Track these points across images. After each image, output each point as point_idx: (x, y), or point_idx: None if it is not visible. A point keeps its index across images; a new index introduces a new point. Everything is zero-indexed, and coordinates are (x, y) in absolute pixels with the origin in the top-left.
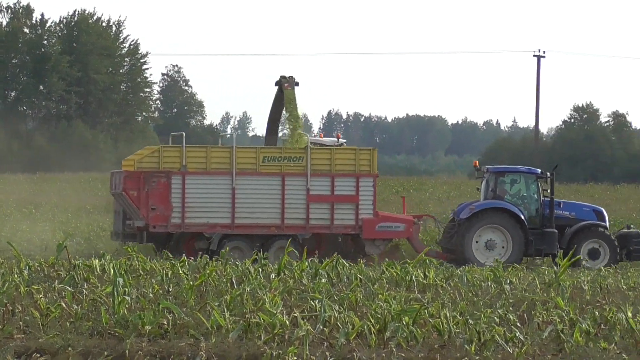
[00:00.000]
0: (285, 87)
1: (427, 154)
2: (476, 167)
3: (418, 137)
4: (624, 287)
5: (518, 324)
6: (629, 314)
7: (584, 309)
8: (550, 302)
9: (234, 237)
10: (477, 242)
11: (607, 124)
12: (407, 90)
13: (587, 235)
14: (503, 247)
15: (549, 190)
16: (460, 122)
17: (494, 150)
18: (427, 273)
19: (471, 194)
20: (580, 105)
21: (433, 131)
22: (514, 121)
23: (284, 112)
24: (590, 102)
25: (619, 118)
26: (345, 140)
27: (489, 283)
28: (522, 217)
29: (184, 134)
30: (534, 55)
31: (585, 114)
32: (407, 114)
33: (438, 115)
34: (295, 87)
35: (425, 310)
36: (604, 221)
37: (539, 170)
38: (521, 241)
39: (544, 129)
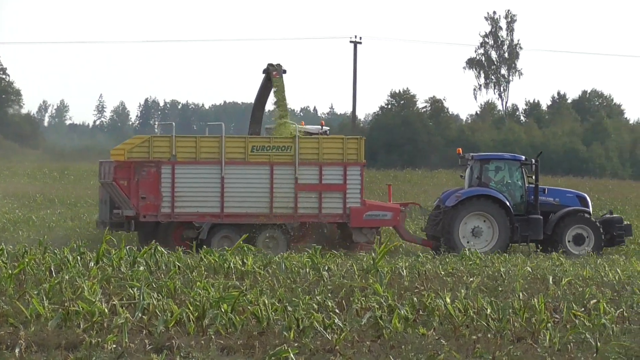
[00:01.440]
0: (273, 76)
1: None
2: (459, 154)
3: (235, 124)
4: (442, 273)
5: (337, 311)
6: (447, 300)
7: (402, 295)
8: (369, 288)
9: (223, 226)
10: (463, 229)
11: (424, 109)
12: (224, 77)
13: (572, 221)
14: (489, 235)
15: (533, 177)
16: None
17: None
18: (245, 260)
19: None
20: (397, 91)
21: (250, 118)
22: (331, 107)
23: (270, 100)
24: (407, 88)
25: (436, 104)
26: (328, 128)
27: (307, 270)
28: (508, 203)
29: (173, 124)
30: (351, 42)
31: (402, 100)
32: (224, 101)
33: None
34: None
35: (244, 298)
36: (588, 207)
37: (523, 157)
38: (507, 228)
39: (361, 115)
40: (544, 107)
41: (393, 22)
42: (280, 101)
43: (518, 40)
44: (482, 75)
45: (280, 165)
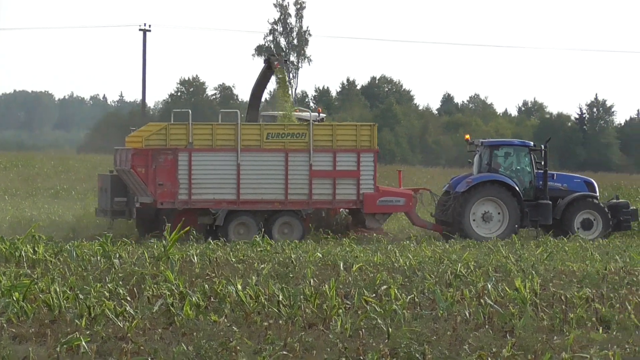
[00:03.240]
0: (275, 66)
1: (35, 129)
2: (468, 141)
3: (25, 112)
4: (233, 260)
5: (128, 298)
6: (239, 287)
7: (193, 282)
8: (160, 275)
9: (240, 212)
10: (473, 214)
11: (214, 96)
12: (14, 65)
13: (580, 206)
14: (499, 220)
15: (542, 163)
16: (66, 97)
17: (103, 124)
18: (36, 248)
19: (77, 169)
20: (186, 79)
21: (40, 106)
22: (121, 95)
23: (269, 90)
24: (197, 76)
25: (225, 91)
26: (324, 115)
27: (99, 257)
28: (518, 189)
29: (189, 111)
30: (140, 29)
31: (191, 87)
32: (14, 90)
33: (45, 91)
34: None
35: (36, 286)
36: (595, 192)
37: (532, 143)
38: (517, 213)
39: (151, 102)
40: (333, 93)
41: (182, 9)
42: (283, 90)
43: (307, 27)
44: None
45: (295, 152)
